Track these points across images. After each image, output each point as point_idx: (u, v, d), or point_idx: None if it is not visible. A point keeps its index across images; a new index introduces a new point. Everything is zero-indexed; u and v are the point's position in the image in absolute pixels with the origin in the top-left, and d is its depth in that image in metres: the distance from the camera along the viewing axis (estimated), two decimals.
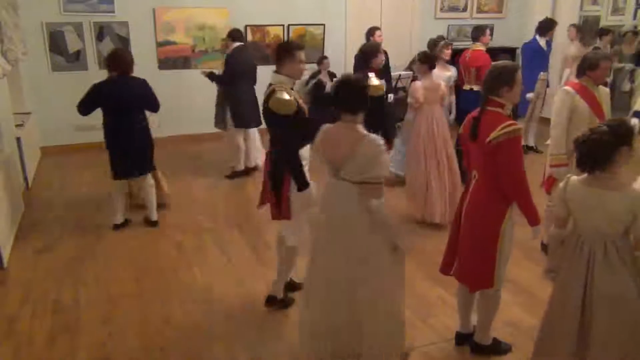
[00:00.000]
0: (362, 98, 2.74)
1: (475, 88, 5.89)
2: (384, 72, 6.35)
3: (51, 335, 3.38)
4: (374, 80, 4.39)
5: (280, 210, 3.41)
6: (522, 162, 2.81)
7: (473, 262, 2.93)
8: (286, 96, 3.19)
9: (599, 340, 2.50)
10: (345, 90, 2.74)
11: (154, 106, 4.80)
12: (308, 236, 3.23)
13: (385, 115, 4.77)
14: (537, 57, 6.86)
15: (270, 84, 3.31)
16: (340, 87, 2.76)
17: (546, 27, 6.96)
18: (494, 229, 2.83)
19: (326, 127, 2.84)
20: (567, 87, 3.97)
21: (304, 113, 3.36)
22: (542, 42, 6.98)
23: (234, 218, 5.22)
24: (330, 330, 2.82)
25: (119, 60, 4.64)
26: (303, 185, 3.28)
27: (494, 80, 2.79)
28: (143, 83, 4.74)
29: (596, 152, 2.37)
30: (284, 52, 3.30)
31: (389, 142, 4.62)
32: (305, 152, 3.36)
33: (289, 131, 3.23)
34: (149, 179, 4.94)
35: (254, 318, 3.57)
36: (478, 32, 6.20)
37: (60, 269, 4.21)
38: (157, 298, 3.81)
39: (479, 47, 6.11)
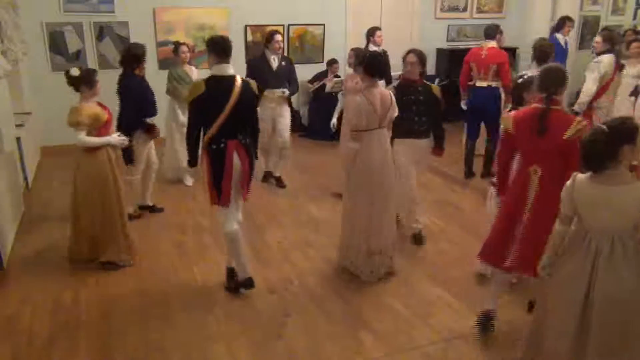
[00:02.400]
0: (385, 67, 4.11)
1: (494, 84, 5.99)
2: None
3: (51, 335, 3.38)
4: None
5: (249, 188, 3.77)
6: None
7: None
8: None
9: (597, 341, 2.50)
10: (377, 62, 3.83)
11: None
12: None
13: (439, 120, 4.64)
14: (557, 55, 6.87)
15: (232, 75, 3.56)
16: (372, 61, 3.82)
17: (560, 24, 7.12)
18: None
19: (364, 96, 3.72)
20: None
21: None
22: (562, 40, 7.07)
23: None
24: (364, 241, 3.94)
25: None
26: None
27: (560, 81, 3.03)
28: None
29: (597, 154, 2.39)
30: (230, 47, 3.62)
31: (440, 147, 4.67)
32: None
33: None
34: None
35: (254, 318, 3.57)
36: (493, 31, 6.25)
37: (60, 269, 4.20)
38: (157, 298, 3.81)
39: (493, 44, 6.17)
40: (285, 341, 3.33)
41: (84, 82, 3.98)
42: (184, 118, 5.77)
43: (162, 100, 5.78)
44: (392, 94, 3.89)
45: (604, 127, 2.42)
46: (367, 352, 3.23)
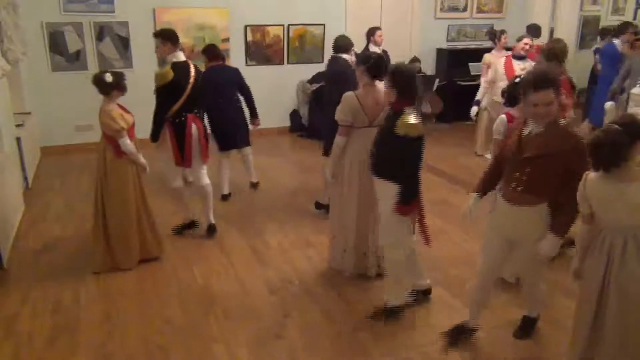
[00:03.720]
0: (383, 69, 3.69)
1: None
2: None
3: (51, 335, 3.38)
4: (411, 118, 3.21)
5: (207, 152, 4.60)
6: None
7: None
8: None
9: (610, 338, 2.51)
10: (382, 64, 3.74)
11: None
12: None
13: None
14: (614, 60, 6.70)
15: (186, 60, 4.43)
16: (378, 63, 3.74)
17: (621, 29, 6.95)
18: None
19: (355, 94, 3.74)
20: None
21: None
22: (619, 46, 6.86)
23: (234, 218, 5.23)
24: (355, 246, 3.97)
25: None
26: None
27: None
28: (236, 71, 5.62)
29: (613, 154, 2.37)
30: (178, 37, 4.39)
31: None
32: None
33: None
34: (249, 150, 5.86)
35: (254, 318, 3.58)
36: (534, 30, 6.33)
37: (60, 269, 4.21)
38: (157, 298, 3.82)
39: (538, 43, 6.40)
40: (285, 341, 3.33)
41: (116, 88, 3.91)
42: None
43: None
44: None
45: (617, 126, 2.39)
46: (367, 352, 3.23)
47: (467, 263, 4.25)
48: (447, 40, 9.44)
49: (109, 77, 3.89)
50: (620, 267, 2.45)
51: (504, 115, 3.75)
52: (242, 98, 5.62)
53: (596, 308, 2.55)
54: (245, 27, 7.96)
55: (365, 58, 3.80)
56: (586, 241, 2.65)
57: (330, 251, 4.18)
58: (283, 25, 8.18)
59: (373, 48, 6.57)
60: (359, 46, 6.75)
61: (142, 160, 4.11)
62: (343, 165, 3.90)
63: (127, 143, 3.93)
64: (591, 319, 2.57)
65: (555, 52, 4.96)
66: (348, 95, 3.78)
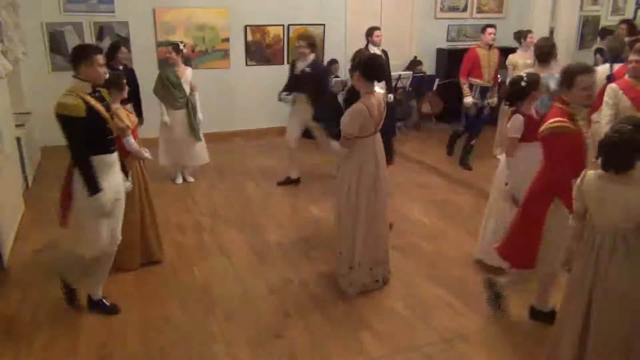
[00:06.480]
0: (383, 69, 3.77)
1: None
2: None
3: (51, 335, 3.38)
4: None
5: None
6: None
7: None
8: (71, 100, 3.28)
9: (598, 336, 2.52)
10: (374, 64, 3.61)
11: None
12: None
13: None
14: None
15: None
16: (369, 64, 3.60)
17: None
18: None
19: (364, 105, 3.54)
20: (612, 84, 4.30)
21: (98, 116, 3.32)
22: None
23: (234, 218, 5.23)
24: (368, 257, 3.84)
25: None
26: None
27: None
28: None
29: (629, 154, 2.37)
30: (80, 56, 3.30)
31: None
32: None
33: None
34: None
35: (254, 318, 3.58)
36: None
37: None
38: (157, 298, 3.82)
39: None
40: (285, 341, 3.33)
41: (112, 86, 3.85)
42: (167, 118, 5.90)
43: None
44: (384, 97, 3.77)
45: (629, 126, 2.38)
46: (367, 352, 3.23)
47: (467, 263, 4.25)
48: (447, 40, 9.43)
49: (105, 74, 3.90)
50: (609, 267, 2.46)
51: (519, 115, 3.64)
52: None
53: (585, 309, 2.55)
54: (245, 27, 7.96)
55: (355, 64, 3.60)
56: (577, 237, 2.67)
57: (337, 268, 3.95)
58: (283, 25, 8.18)
59: (372, 48, 6.56)
60: (358, 46, 6.77)
61: (146, 154, 4.09)
62: (351, 177, 3.68)
63: (131, 142, 3.95)
64: (581, 320, 2.57)
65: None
66: (358, 107, 3.53)
